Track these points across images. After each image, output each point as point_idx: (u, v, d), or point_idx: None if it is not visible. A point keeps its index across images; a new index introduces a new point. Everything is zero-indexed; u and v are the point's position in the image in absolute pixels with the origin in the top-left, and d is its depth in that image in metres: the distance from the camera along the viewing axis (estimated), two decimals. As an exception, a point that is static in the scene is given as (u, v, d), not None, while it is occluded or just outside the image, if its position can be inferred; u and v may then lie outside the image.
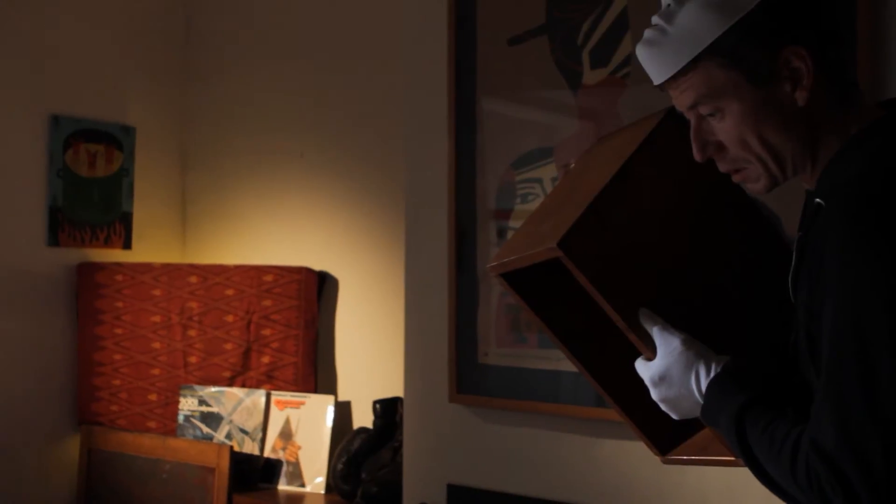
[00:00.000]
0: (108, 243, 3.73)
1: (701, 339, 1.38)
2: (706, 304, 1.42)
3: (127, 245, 3.78)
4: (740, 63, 1.26)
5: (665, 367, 1.38)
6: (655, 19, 1.30)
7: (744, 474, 2.23)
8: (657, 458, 2.37)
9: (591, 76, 2.53)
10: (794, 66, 1.26)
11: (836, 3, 1.38)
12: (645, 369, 1.42)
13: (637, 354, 1.46)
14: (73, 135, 3.63)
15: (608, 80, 2.49)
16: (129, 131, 3.77)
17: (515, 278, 1.57)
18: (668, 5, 1.29)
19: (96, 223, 3.69)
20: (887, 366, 1.14)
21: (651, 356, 1.41)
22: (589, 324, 1.58)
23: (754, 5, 1.24)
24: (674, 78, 1.29)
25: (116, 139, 3.74)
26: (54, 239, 3.59)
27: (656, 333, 1.39)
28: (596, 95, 2.52)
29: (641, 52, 1.32)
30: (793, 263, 1.33)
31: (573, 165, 1.74)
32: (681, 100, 1.32)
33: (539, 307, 1.60)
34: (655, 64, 1.30)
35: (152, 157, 3.86)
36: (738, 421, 1.30)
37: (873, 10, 2.02)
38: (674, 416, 1.44)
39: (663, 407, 1.43)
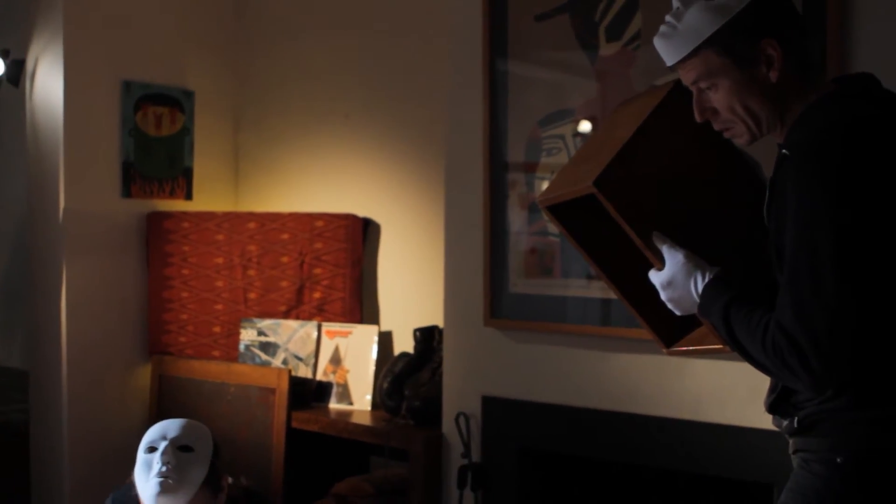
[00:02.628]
0: (172, 195, 4.19)
1: (698, 254, 1.85)
2: (703, 228, 1.89)
3: (189, 196, 4.23)
4: (730, 51, 1.73)
5: (671, 274, 1.85)
6: (668, 18, 1.77)
7: (730, 379, 2.73)
8: (659, 366, 2.88)
9: (606, 48, 2.98)
10: (768, 53, 1.72)
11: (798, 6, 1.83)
12: (656, 277, 1.89)
13: (650, 268, 1.93)
14: (142, 98, 4.06)
15: (621, 52, 2.94)
16: (189, 95, 4.21)
17: (558, 211, 2.05)
18: (678, 8, 1.76)
19: (163, 177, 4.15)
20: (829, 267, 1.61)
21: (661, 267, 1.88)
22: (613, 246, 2.06)
23: (740, 9, 1.71)
24: (681, 62, 1.77)
25: (179, 102, 4.18)
26: (127, 191, 4.04)
27: (665, 250, 1.86)
28: (611, 65, 2.97)
29: (657, 42, 1.79)
30: (767, 197, 1.81)
31: (602, 124, 2.21)
32: (686, 77, 1.79)
33: (574, 233, 2.08)
34: (668, 51, 1.78)
35: (209, 118, 4.30)
36: (725, 312, 1.77)
37: (840, 14, 2.47)
38: (677, 313, 1.91)
39: (670, 306, 1.90)
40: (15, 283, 5.25)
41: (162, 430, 2.20)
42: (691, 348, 2.03)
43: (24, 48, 3.99)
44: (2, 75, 3.87)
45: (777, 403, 1.85)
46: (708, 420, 2.79)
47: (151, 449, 2.16)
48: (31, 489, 4.07)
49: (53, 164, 3.89)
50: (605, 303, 2.97)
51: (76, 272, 3.90)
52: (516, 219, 3.17)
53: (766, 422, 2.61)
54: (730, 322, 1.76)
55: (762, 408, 2.62)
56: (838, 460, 1.71)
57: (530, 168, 3.15)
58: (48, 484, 3.99)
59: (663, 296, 1.89)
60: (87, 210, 3.93)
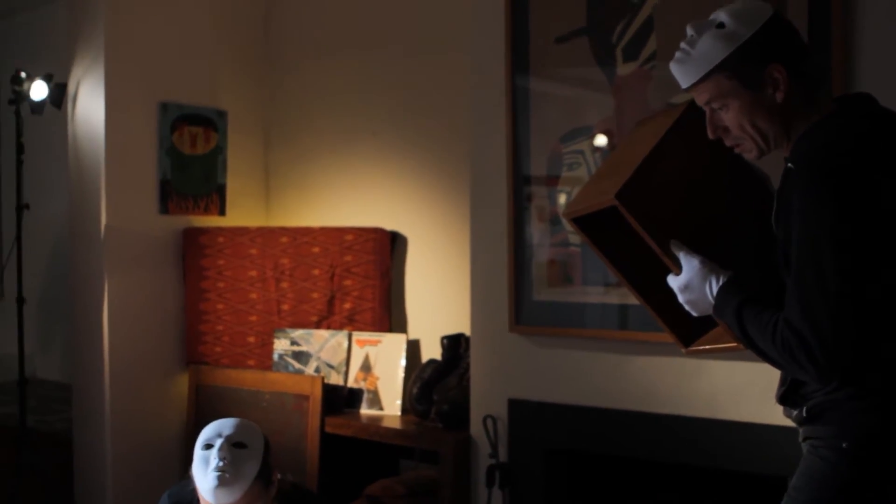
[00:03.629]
0: (206, 211, 4.37)
1: (712, 259, 2.02)
2: (717, 236, 2.06)
3: (222, 212, 4.42)
4: (739, 75, 1.90)
5: (688, 279, 2.02)
6: (683, 45, 1.94)
7: (743, 378, 2.89)
8: (676, 367, 3.04)
9: (623, 68, 3.16)
10: (774, 76, 1.90)
11: (801, 34, 2.00)
12: (674, 281, 2.06)
13: (668, 274, 2.10)
14: (178, 119, 4.25)
15: (638, 72, 3.12)
16: (222, 115, 4.40)
17: (582, 222, 2.22)
18: (691, 35, 1.94)
19: (198, 194, 4.34)
20: (832, 271, 1.78)
21: (678, 272, 2.04)
22: (633, 254, 2.23)
23: (748, 37, 1.88)
24: (695, 85, 1.94)
25: (212, 122, 4.37)
26: (165, 208, 4.23)
27: (682, 257, 2.03)
28: (627, 83, 3.15)
29: (673, 67, 1.97)
30: (774, 207, 1.97)
31: (621, 141, 2.38)
32: (699, 98, 1.96)
33: (597, 243, 2.25)
34: (682, 75, 1.95)
35: (241, 137, 4.49)
36: (739, 313, 1.93)
37: (844, 34, 2.66)
38: (694, 314, 2.07)
39: (687, 308, 2.07)
40: (53, 300, 5.45)
41: (217, 429, 2.37)
42: (708, 347, 2.19)
43: (66, 72, 4.18)
44: (45, 98, 4.06)
45: (787, 395, 2.01)
46: (723, 417, 2.97)
47: (208, 446, 2.34)
48: (75, 494, 4.25)
49: (95, 182, 4.08)
50: (623, 308, 3.14)
51: (117, 286, 4.08)
52: (539, 230, 3.34)
53: (778, 418, 2.77)
54: (743, 321, 1.93)
55: (774, 404, 2.79)
56: (844, 445, 1.87)
57: (552, 182, 3.33)
58: (91, 489, 4.16)
59: (681, 298, 2.05)
60: (126, 226, 4.11)
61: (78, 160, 4.18)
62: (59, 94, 4.08)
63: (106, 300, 4.06)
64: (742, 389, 2.93)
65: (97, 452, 4.13)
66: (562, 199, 3.31)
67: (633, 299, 3.07)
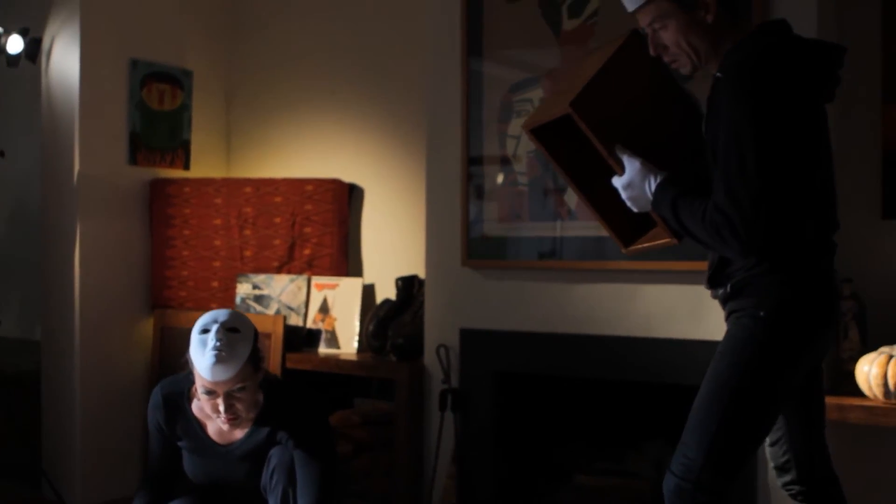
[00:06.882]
0: (172, 164, 4.60)
1: (651, 162, 2.36)
2: (655, 141, 2.39)
3: (186, 167, 4.65)
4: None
5: (630, 178, 2.35)
6: (632, -24, 2.29)
7: (674, 301, 3.23)
8: (614, 292, 3.37)
9: (568, 24, 3.50)
10: (706, 1, 2.25)
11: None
12: (618, 181, 2.39)
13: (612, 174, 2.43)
14: (147, 76, 4.48)
15: (581, 28, 3.46)
16: (188, 74, 4.65)
17: (539, 135, 2.54)
18: (637, -32, 2.29)
19: (165, 148, 4.57)
20: (752, 159, 2.12)
21: (622, 173, 2.38)
22: (582, 167, 2.55)
23: (684, -33, 2.24)
24: (640, 8, 2.29)
25: (179, 80, 4.61)
26: (133, 159, 4.45)
27: (625, 159, 2.36)
28: (572, 38, 3.50)
29: (623, -5, 2.32)
30: (705, 113, 2.32)
31: (572, 69, 2.71)
32: (643, 20, 2.31)
33: (552, 155, 2.58)
34: (630, 0, 2.30)
35: (205, 96, 4.74)
36: (674, 203, 2.27)
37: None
38: (634, 210, 2.40)
39: (629, 204, 2.39)
40: (9, 256, 5.59)
41: (213, 316, 2.64)
42: (646, 245, 2.52)
43: (42, 27, 4.38)
44: (21, 52, 4.24)
45: (714, 276, 2.35)
46: (657, 336, 3.31)
47: (205, 331, 2.60)
48: (42, 430, 4.43)
49: (68, 133, 4.29)
50: (567, 240, 3.47)
51: (88, 232, 4.28)
52: (490, 172, 3.66)
53: (705, 334, 3.14)
54: (677, 211, 2.26)
55: (702, 323, 3.15)
56: (761, 314, 2.22)
57: (502, 128, 3.65)
58: (60, 424, 4.35)
59: (623, 196, 2.39)
60: (98, 175, 4.32)
61: (51, 112, 4.38)
62: (35, 49, 4.27)
63: (77, 245, 4.27)
64: (673, 310, 3.27)
65: (66, 392, 4.31)
66: (510, 143, 3.63)
67: (574, 232, 3.43)
